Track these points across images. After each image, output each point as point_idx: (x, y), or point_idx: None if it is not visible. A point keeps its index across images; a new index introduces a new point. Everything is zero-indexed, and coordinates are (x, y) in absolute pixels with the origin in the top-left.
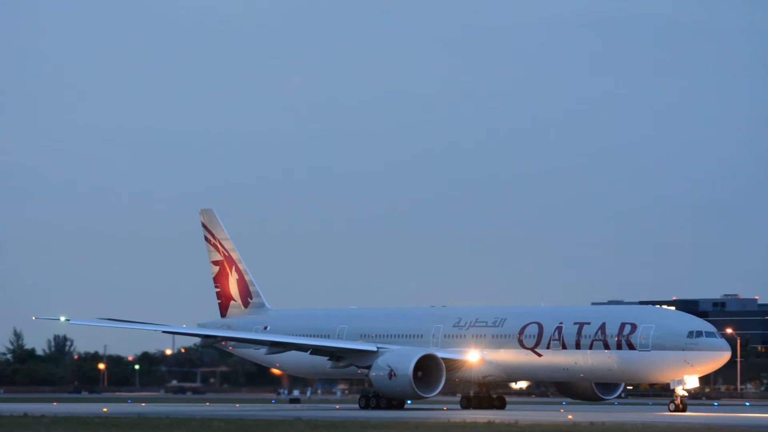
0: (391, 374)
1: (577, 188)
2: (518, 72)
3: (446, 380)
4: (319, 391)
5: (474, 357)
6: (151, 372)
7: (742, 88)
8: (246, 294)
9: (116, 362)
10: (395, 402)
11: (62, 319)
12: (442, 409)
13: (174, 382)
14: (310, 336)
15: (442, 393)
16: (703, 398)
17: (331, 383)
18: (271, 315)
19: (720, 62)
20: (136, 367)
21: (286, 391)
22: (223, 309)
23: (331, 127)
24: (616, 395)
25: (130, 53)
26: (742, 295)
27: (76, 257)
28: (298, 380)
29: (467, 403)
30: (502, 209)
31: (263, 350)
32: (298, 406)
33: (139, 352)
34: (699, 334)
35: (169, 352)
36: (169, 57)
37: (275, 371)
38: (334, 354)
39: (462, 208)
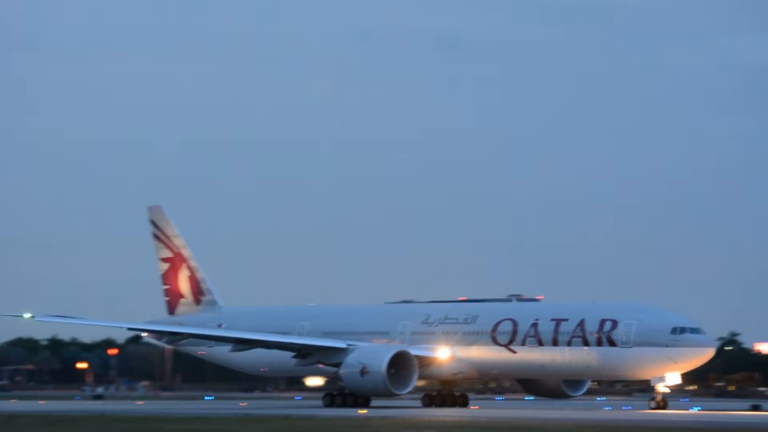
0: (363, 371)
1: (371, 191)
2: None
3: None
4: (122, 388)
5: (444, 354)
6: None
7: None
8: (197, 291)
9: None
10: (361, 400)
11: (27, 315)
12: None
13: None
14: (269, 334)
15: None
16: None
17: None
18: (225, 312)
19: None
20: None
21: (90, 389)
22: (172, 306)
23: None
24: (582, 392)
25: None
26: (527, 296)
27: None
28: (101, 378)
29: (429, 401)
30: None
31: (219, 348)
32: (99, 402)
33: None
34: (683, 330)
35: None
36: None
37: (80, 367)
38: (301, 351)
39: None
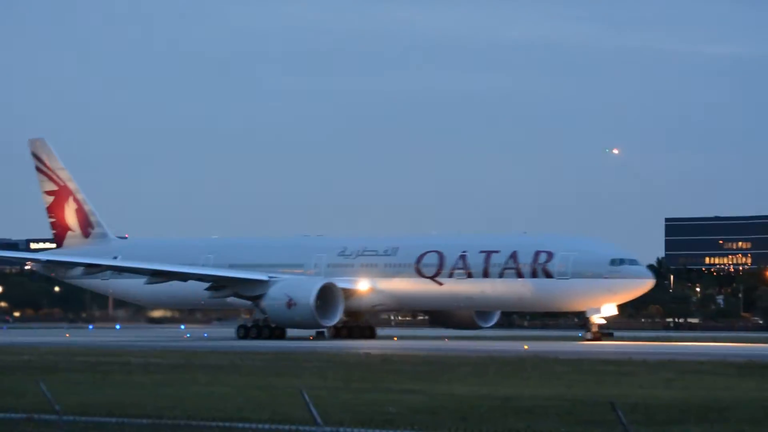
0: (290, 303)
1: None
2: None
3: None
4: None
5: (365, 286)
6: None
7: None
8: (86, 224)
9: None
10: (278, 332)
11: None
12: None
13: None
14: (175, 266)
15: None
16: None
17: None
18: (118, 245)
19: None
20: None
21: None
22: (59, 239)
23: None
24: (492, 324)
25: None
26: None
27: None
28: None
29: (336, 333)
30: None
31: (114, 281)
32: None
33: None
34: (621, 261)
35: None
36: None
37: None
38: (217, 283)
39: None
